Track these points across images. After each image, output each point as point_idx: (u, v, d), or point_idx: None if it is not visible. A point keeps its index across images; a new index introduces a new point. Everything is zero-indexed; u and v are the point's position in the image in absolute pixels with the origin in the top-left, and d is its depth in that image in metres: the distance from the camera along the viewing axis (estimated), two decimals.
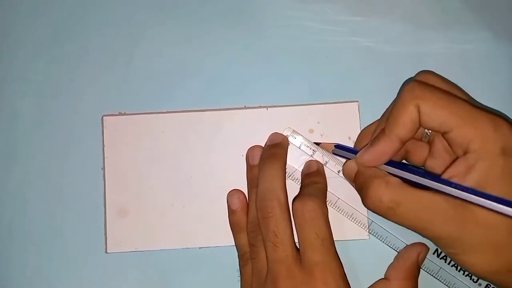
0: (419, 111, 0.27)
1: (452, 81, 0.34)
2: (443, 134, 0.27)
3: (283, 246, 0.29)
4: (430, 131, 0.29)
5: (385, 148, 0.28)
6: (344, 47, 0.35)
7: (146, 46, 0.35)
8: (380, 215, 0.28)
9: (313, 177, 0.32)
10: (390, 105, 0.31)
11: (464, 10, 0.35)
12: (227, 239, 0.33)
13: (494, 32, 0.35)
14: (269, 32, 0.35)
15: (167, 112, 0.34)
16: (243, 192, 0.33)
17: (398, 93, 0.29)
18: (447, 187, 0.26)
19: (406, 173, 0.28)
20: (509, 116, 0.33)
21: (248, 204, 0.33)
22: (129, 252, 0.33)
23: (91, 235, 0.34)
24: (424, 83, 0.28)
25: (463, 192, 0.25)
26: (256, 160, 0.33)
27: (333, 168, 0.33)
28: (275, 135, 0.34)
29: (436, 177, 0.27)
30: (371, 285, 0.31)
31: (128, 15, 0.35)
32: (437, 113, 0.26)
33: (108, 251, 0.34)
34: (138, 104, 0.35)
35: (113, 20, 0.35)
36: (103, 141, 0.34)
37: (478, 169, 0.26)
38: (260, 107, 0.34)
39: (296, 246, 0.30)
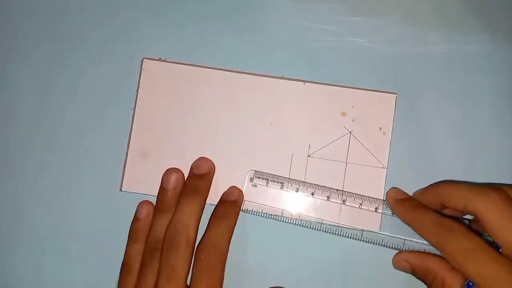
0: None
1: (452, 81, 0.34)
2: None
3: (176, 280, 0.30)
4: None
5: None
6: (344, 47, 0.35)
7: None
8: None
9: (223, 210, 0.32)
10: None
11: (464, 10, 0.34)
12: None
13: (494, 33, 0.34)
14: (269, 32, 0.35)
15: (206, 67, 0.35)
16: (152, 205, 0.33)
17: None
18: None
19: None
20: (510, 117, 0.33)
21: (153, 219, 0.33)
22: (142, 194, 0.34)
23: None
24: None
25: None
26: (170, 185, 0.33)
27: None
28: (202, 162, 0.33)
29: None
30: None
31: None
32: None
33: (122, 189, 0.34)
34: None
35: None
36: (138, 83, 0.35)
37: None
38: (299, 80, 0.34)
39: (187, 284, 0.30)
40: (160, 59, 0.35)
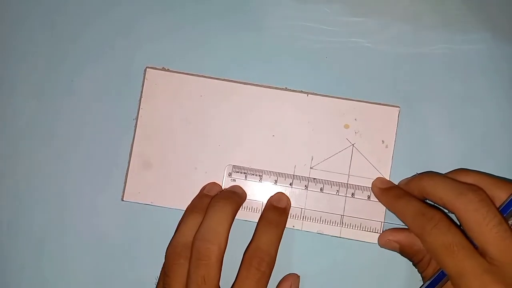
0: None
1: (452, 81, 0.34)
2: None
3: None
4: None
5: None
6: (344, 48, 0.35)
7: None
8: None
9: (275, 217, 0.32)
10: None
11: (464, 10, 0.34)
12: (241, 214, 0.33)
13: (494, 32, 0.34)
14: (269, 33, 0.35)
15: (210, 77, 0.35)
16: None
17: None
18: None
19: None
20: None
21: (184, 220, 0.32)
22: (144, 204, 0.34)
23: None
24: None
25: None
26: (211, 192, 0.33)
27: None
28: (238, 187, 0.34)
29: None
30: None
31: None
32: None
33: (124, 199, 0.34)
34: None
35: None
36: (141, 92, 0.35)
37: None
38: (302, 92, 0.34)
39: None
40: (163, 68, 0.35)
